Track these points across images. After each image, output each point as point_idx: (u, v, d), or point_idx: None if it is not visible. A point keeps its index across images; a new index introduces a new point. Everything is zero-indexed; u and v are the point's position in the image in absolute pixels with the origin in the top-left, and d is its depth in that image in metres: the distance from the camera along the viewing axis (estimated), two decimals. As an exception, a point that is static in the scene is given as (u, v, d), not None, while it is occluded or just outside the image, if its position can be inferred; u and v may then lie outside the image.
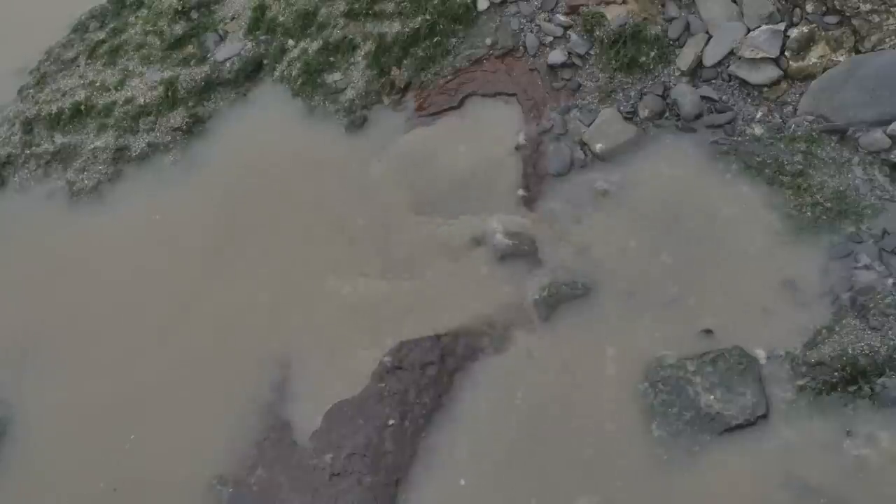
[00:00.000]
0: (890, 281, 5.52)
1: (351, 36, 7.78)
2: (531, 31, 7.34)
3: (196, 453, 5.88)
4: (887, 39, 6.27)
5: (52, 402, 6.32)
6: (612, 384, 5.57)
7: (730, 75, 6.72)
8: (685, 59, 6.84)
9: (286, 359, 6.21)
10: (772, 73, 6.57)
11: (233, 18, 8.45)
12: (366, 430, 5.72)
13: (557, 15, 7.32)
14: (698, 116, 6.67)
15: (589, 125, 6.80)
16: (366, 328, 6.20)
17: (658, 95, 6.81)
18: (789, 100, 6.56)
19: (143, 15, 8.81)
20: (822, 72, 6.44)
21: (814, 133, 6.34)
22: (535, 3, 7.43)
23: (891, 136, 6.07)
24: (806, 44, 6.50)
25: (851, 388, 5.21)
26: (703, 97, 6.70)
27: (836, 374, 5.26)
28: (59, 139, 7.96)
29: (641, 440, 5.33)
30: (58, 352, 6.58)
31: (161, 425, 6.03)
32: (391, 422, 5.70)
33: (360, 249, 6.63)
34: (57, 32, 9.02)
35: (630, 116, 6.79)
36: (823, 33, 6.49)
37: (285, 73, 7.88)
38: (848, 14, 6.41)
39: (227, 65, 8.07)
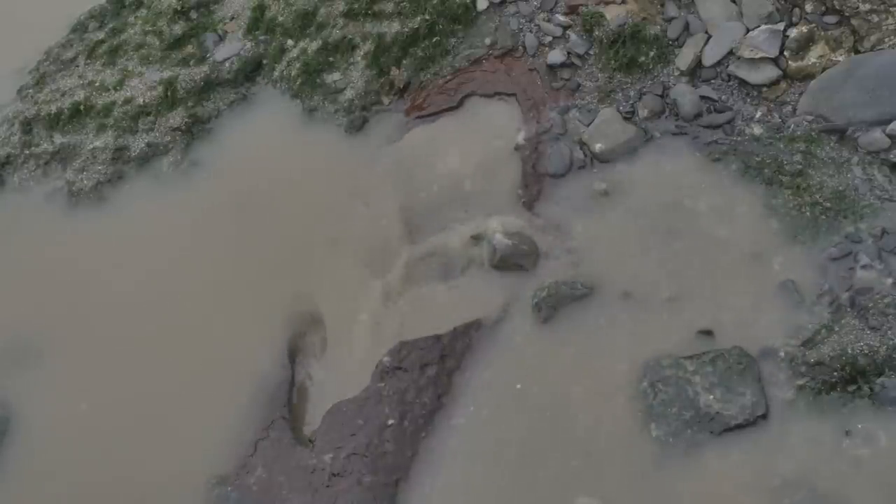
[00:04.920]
0: (889, 281, 5.52)
1: (350, 36, 7.78)
2: (530, 31, 7.34)
3: (196, 453, 5.88)
4: (886, 39, 6.28)
5: (52, 403, 6.32)
6: (611, 384, 5.57)
7: (729, 75, 6.72)
8: (684, 58, 6.85)
9: (285, 360, 6.22)
10: (771, 72, 6.57)
11: (232, 18, 8.45)
12: (366, 430, 5.72)
13: (557, 15, 7.32)
14: (697, 116, 6.67)
15: (588, 125, 6.80)
16: (366, 329, 6.21)
17: (657, 95, 6.81)
18: (788, 100, 6.56)
19: (143, 15, 8.80)
20: (822, 71, 6.44)
21: (813, 133, 6.34)
22: (535, 2, 7.43)
23: (890, 136, 6.07)
24: (805, 44, 6.51)
25: (851, 388, 5.21)
26: (702, 97, 6.70)
27: (835, 373, 5.27)
28: (59, 139, 7.95)
29: (640, 440, 5.33)
30: (57, 351, 6.58)
31: (161, 425, 6.03)
32: (391, 422, 5.71)
33: (359, 249, 6.63)
34: (56, 32, 8.99)
35: (629, 116, 6.79)
36: (823, 33, 6.49)
37: (284, 73, 7.88)
38: (847, 14, 6.42)
39: (227, 65, 8.07)
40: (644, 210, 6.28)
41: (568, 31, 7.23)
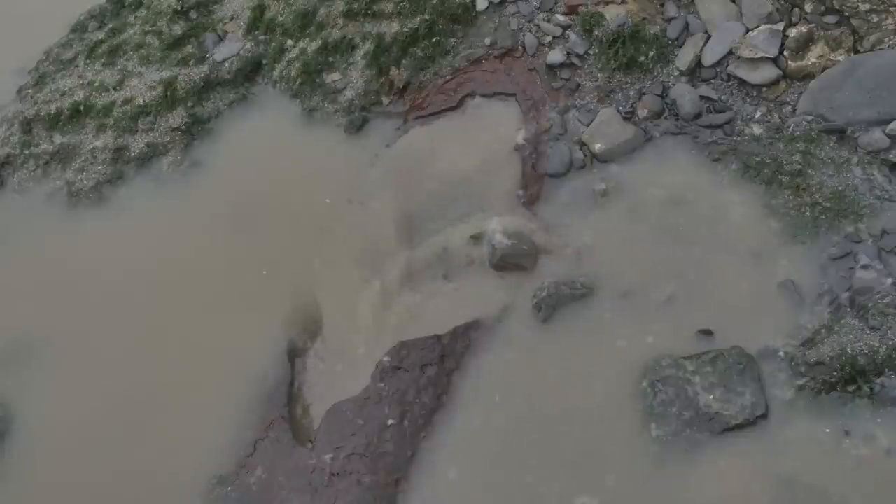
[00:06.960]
0: (889, 281, 5.52)
1: (350, 36, 7.78)
2: (530, 31, 7.34)
3: (196, 453, 5.88)
4: (886, 39, 6.28)
5: (52, 404, 6.32)
6: (611, 384, 5.57)
7: (729, 75, 6.72)
8: (684, 58, 6.85)
9: (285, 360, 6.22)
10: (771, 72, 6.58)
11: (231, 18, 8.45)
12: (365, 430, 5.72)
13: (556, 15, 7.32)
14: (697, 116, 6.67)
15: (588, 125, 6.80)
16: (366, 329, 6.21)
17: (657, 95, 6.81)
18: (788, 99, 6.57)
19: (142, 15, 8.81)
20: (821, 71, 6.44)
21: (813, 133, 6.34)
22: (534, 2, 7.43)
23: (890, 136, 6.07)
24: (805, 43, 6.51)
25: (850, 388, 5.21)
26: (702, 97, 6.70)
27: (835, 373, 5.27)
28: (58, 139, 7.96)
29: (640, 440, 5.34)
30: (57, 353, 6.58)
31: (160, 426, 6.03)
32: (391, 422, 5.71)
33: (359, 249, 6.63)
34: (56, 32, 9.00)
35: (629, 116, 6.79)
36: (822, 33, 6.49)
37: (284, 73, 7.88)
38: (847, 14, 6.42)
39: (226, 65, 8.07)
40: (644, 210, 6.28)
41: (567, 31, 7.23)
